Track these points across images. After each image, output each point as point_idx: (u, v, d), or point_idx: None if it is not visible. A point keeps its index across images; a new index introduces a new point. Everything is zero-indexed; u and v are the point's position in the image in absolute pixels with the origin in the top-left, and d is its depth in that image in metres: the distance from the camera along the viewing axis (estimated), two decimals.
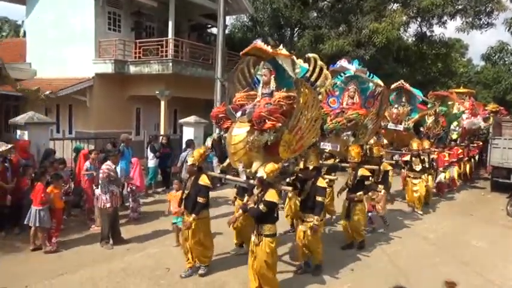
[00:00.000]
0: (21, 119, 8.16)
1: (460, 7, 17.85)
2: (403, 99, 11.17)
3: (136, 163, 9.04)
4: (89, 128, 14.08)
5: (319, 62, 5.90)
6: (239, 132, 5.27)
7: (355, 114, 7.24)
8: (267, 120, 5.00)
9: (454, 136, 13.71)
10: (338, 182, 7.55)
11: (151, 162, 10.56)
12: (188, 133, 11.91)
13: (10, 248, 6.44)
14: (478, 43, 52.31)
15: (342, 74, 7.82)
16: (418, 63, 20.84)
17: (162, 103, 14.14)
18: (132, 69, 14.23)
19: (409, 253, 6.97)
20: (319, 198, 5.51)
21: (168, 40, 14.10)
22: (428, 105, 12.72)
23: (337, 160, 7.82)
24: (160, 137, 11.57)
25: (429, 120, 12.77)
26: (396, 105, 11.11)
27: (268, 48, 5.27)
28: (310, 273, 5.81)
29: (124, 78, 14.54)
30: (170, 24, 14.47)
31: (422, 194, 9.76)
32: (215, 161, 10.71)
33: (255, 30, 20.29)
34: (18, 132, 8.25)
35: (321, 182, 5.66)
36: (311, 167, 5.68)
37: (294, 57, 5.75)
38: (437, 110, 12.89)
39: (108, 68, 13.90)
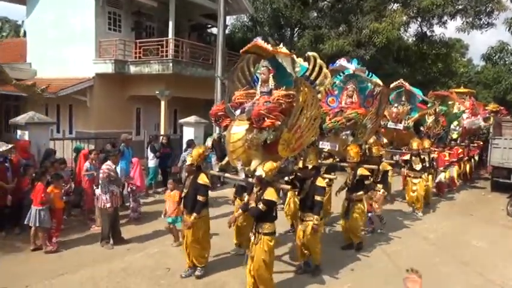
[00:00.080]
0: (21, 119, 8.17)
1: (460, 7, 17.82)
2: (403, 98, 11.14)
3: (137, 163, 9.04)
4: (89, 128, 14.09)
5: (319, 61, 5.90)
6: (238, 130, 5.24)
7: (354, 113, 7.20)
8: (266, 118, 4.95)
9: (455, 136, 13.69)
10: (337, 181, 7.54)
11: (152, 162, 10.56)
12: (188, 133, 11.91)
13: (10, 248, 6.44)
14: (478, 43, 52.22)
15: (341, 73, 7.81)
16: (419, 63, 20.79)
17: (162, 103, 14.14)
18: (132, 69, 14.24)
19: (409, 253, 6.96)
20: (318, 198, 5.50)
21: (168, 40, 14.11)
22: (428, 105, 12.69)
23: (337, 160, 7.81)
24: (161, 137, 11.56)
25: (429, 119, 12.77)
26: (396, 104, 11.09)
27: (269, 47, 5.25)
28: (310, 273, 5.80)
29: (124, 78, 14.55)
30: (170, 24, 14.47)
31: (421, 194, 9.67)
32: (213, 158, 10.74)
33: (255, 30, 20.26)
34: (19, 132, 8.26)
35: (320, 182, 5.64)
36: (310, 166, 5.68)
37: (294, 56, 5.74)
38: (437, 110, 12.89)
39: (108, 68, 13.91)
